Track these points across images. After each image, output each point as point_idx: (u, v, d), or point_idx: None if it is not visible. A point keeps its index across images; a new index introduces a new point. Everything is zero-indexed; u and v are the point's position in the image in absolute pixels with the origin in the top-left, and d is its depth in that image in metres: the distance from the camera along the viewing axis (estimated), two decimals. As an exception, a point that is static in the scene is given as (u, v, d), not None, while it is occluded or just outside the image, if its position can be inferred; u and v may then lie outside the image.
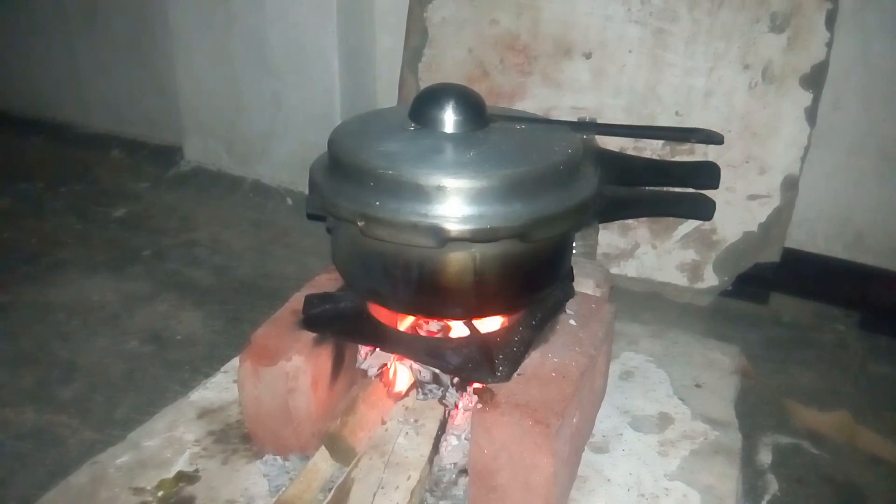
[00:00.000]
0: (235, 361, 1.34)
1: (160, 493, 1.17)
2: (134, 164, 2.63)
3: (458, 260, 1.05)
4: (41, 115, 2.93)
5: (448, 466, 1.16)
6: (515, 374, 1.10)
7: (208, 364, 1.54)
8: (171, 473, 1.20)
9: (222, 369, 1.45)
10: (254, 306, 1.78)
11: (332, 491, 1.07)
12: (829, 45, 1.70)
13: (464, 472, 1.16)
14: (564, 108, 1.91)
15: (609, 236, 1.88)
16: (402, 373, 1.21)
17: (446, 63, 2.02)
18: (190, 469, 1.21)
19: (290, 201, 2.31)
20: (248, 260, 2.04)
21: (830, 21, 1.69)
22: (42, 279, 1.91)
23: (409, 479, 1.08)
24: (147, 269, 1.97)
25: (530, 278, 1.13)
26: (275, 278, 1.93)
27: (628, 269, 1.90)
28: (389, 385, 1.21)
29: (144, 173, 2.56)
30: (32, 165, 2.63)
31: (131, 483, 1.19)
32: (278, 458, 1.21)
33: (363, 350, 1.26)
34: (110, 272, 1.95)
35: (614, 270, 1.88)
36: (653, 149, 1.81)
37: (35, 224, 2.21)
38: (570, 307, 1.27)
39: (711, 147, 1.73)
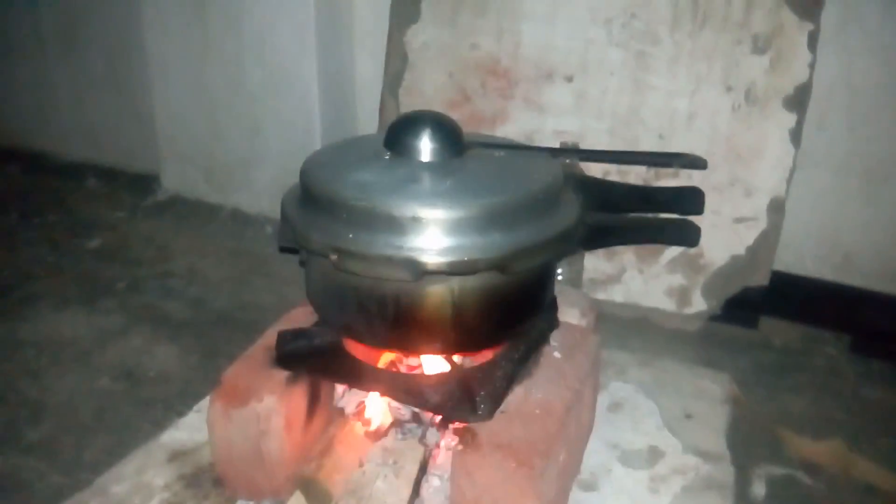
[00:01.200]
0: (209, 403, 1.29)
1: (126, 544, 1.11)
2: (110, 193, 2.58)
3: (435, 294, 1.01)
4: (16, 144, 2.87)
5: (429, 510, 1.11)
6: (498, 412, 1.06)
7: (182, 401, 1.48)
8: (139, 522, 1.15)
9: (195, 408, 1.39)
10: (231, 340, 1.72)
11: (307, 539, 1.03)
12: (812, 65, 1.69)
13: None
14: (547, 131, 1.88)
15: (595, 261, 1.84)
16: (381, 412, 1.16)
17: (427, 88, 1.99)
18: (158, 517, 1.16)
19: (269, 230, 2.26)
20: (226, 291, 1.99)
21: (812, 42, 1.68)
22: (12, 314, 1.85)
23: (387, 525, 1.04)
24: (121, 303, 1.92)
25: (511, 311, 1.09)
26: (253, 310, 1.88)
27: (615, 294, 1.87)
28: (367, 425, 1.16)
29: (121, 202, 2.50)
30: (6, 195, 2.56)
31: (97, 533, 1.13)
32: (254, 500, 1.16)
33: (340, 388, 1.22)
34: (83, 306, 1.89)
35: (600, 296, 1.84)
36: (637, 173, 1.78)
37: (7, 256, 2.15)
38: (555, 339, 1.23)
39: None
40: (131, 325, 1.81)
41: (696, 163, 1.16)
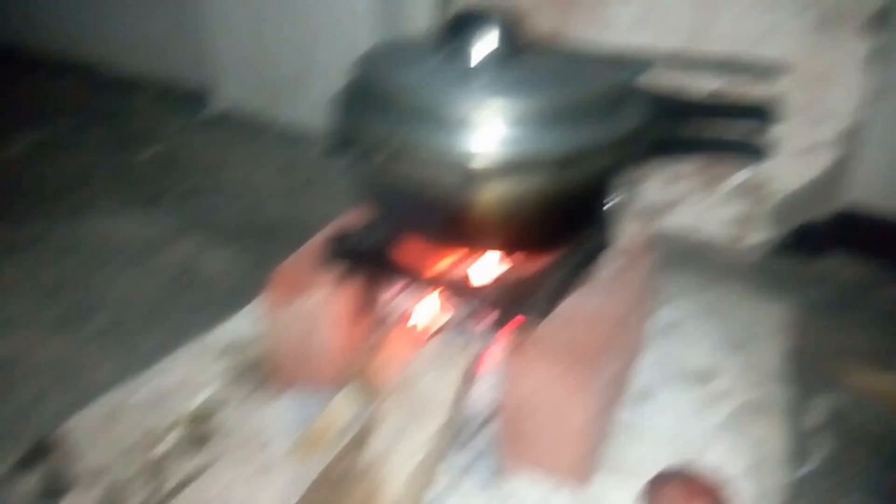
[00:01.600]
0: (260, 300, 1.30)
1: (176, 431, 1.13)
2: (162, 108, 2.58)
3: (489, 194, 0.98)
4: (70, 58, 2.89)
5: (474, 413, 1.10)
6: (550, 317, 1.03)
7: (233, 303, 1.49)
8: (189, 410, 1.17)
9: (247, 308, 1.41)
10: (282, 248, 1.71)
11: (354, 431, 1.03)
12: (901, -17, 1.57)
13: (490, 420, 1.10)
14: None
15: (653, 187, 1.79)
16: (431, 314, 1.15)
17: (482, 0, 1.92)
18: (208, 406, 1.18)
19: (320, 145, 2.24)
20: (277, 203, 1.99)
21: (902, -43, 1.56)
22: (69, 216, 1.88)
23: (432, 423, 1.02)
24: (173, 211, 1.94)
25: (567, 217, 1.06)
26: (304, 221, 1.85)
27: (672, 221, 1.81)
28: (417, 326, 1.15)
29: (173, 117, 2.51)
30: (60, 107, 2.59)
31: (147, 420, 1.16)
32: (300, 396, 1.17)
33: (391, 289, 1.20)
34: (137, 212, 1.92)
35: (657, 223, 1.79)
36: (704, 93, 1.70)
37: (62, 164, 2.18)
38: (611, 253, 1.20)
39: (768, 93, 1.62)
40: (184, 231, 1.83)
41: (775, 69, 1.09)
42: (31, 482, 1.06)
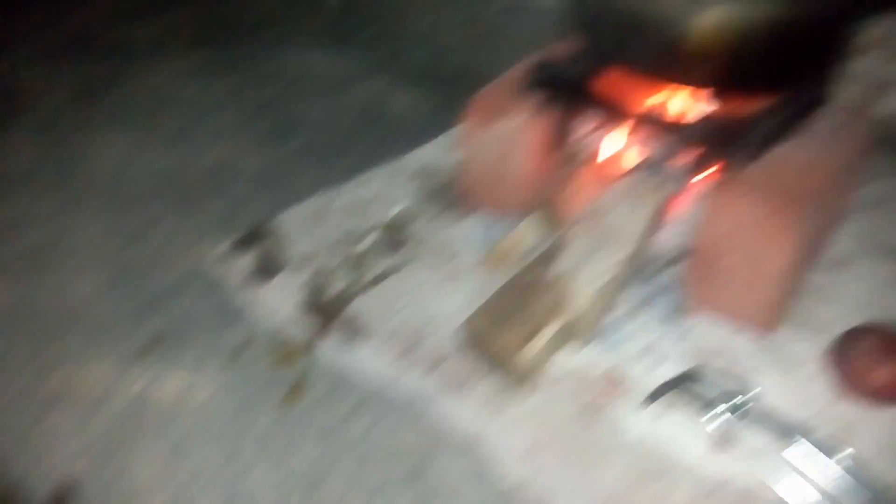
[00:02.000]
0: (450, 133, 1.35)
1: (374, 234, 1.22)
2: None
3: (712, 19, 0.93)
4: None
5: (661, 251, 1.10)
6: (760, 161, 1.00)
7: (420, 137, 1.54)
8: (385, 219, 1.25)
9: (437, 139, 1.46)
10: (463, 94, 1.75)
11: (542, 250, 1.06)
12: None
13: (674, 260, 1.10)
14: None
15: (871, 64, 1.62)
16: (628, 149, 1.13)
17: None
18: (403, 217, 1.25)
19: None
20: (464, 50, 2.00)
21: None
22: (269, 48, 1.99)
23: (619, 252, 1.04)
24: (362, 51, 1.99)
25: (790, 57, 0.99)
26: (484, 72, 1.87)
27: (890, 102, 1.65)
28: (612, 161, 1.14)
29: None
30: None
31: (348, 222, 1.26)
32: (488, 218, 1.22)
33: (588, 123, 1.19)
34: (328, 50, 1.99)
35: (875, 98, 1.63)
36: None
37: (254, 4, 2.28)
38: (828, 111, 1.12)
39: None
40: (372, 71, 1.89)
41: None
42: (247, 261, 1.19)
